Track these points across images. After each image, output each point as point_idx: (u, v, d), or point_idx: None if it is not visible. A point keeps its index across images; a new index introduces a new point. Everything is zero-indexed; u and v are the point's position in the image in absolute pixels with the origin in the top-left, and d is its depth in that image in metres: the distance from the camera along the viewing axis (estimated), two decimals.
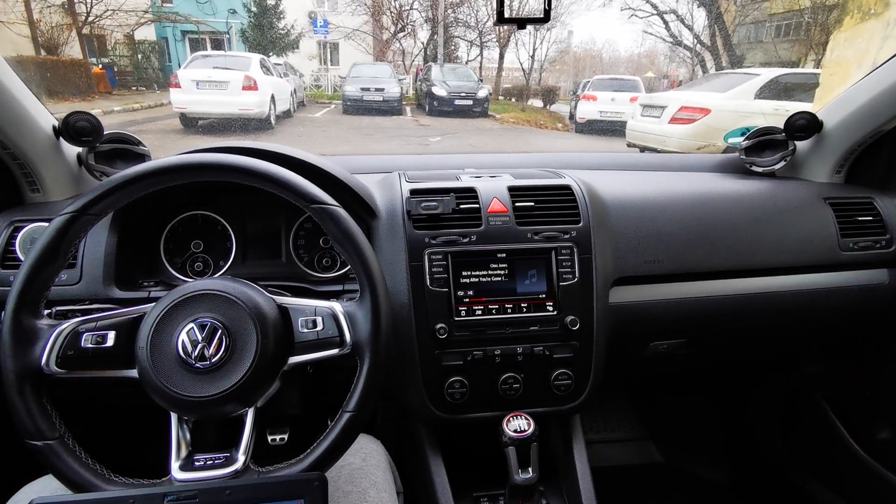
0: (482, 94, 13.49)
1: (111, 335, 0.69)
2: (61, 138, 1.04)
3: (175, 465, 0.67)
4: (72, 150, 1.08)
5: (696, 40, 17.58)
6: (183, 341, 0.67)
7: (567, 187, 1.04)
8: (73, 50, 13.22)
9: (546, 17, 0.82)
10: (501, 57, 20.38)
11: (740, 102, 6.46)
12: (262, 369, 0.68)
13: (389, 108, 12.57)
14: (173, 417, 0.70)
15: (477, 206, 0.98)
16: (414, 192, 0.99)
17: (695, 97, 6.87)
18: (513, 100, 19.46)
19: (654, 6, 17.17)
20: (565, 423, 1.06)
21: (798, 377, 1.47)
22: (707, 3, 15.92)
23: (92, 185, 0.98)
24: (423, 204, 0.96)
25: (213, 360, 0.66)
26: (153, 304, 0.71)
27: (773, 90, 6.48)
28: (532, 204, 1.00)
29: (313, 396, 1.05)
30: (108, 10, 13.74)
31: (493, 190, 1.01)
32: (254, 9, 17.88)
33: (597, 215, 1.02)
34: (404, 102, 13.89)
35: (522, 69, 21.53)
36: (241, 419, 0.70)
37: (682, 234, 1.08)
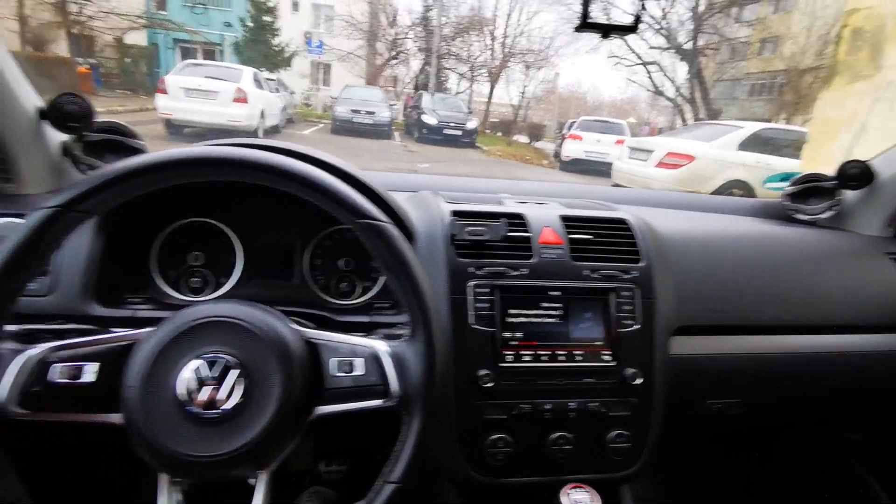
0: (471, 125, 13.65)
1: (91, 368, 0.54)
2: (45, 122, 0.89)
3: None
4: (56, 138, 0.93)
5: (677, 92, 18.30)
6: (187, 382, 0.52)
7: (623, 221, 0.93)
8: (61, 48, 12.93)
9: (635, 27, 0.73)
10: (492, 89, 20.84)
11: (724, 152, 6.60)
12: (284, 422, 0.54)
13: (379, 132, 12.55)
14: (163, 479, 0.54)
15: (527, 234, 0.86)
16: (457, 214, 0.86)
17: (681, 144, 7.03)
18: (499, 133, 19.77)
19: (639, 56, 17.91)
20: (613, 494, 0.91)
21: (840, 443, 1.37)
22: (689, 59, 16.68)
23: (75, 180, 0.82)
24: (469, 228, 0.83)
25: (224, 409, 0.52)
26: (147, 329, 0.56)
27: (755, 143, 6.65)
28: (590, 237, 0.88)
29: (329, 446, 0.88)
30: (100, 11, 13.52)
31: (543, 218, 0.89)
32: (250, 24, 17.92)
33: (658, 254, 0.91)
34: (394, 128, 13.91)
35: (512, 105, 22.01)
36: (248, 484, 0.55)
37: (746, 281, 0.97)
